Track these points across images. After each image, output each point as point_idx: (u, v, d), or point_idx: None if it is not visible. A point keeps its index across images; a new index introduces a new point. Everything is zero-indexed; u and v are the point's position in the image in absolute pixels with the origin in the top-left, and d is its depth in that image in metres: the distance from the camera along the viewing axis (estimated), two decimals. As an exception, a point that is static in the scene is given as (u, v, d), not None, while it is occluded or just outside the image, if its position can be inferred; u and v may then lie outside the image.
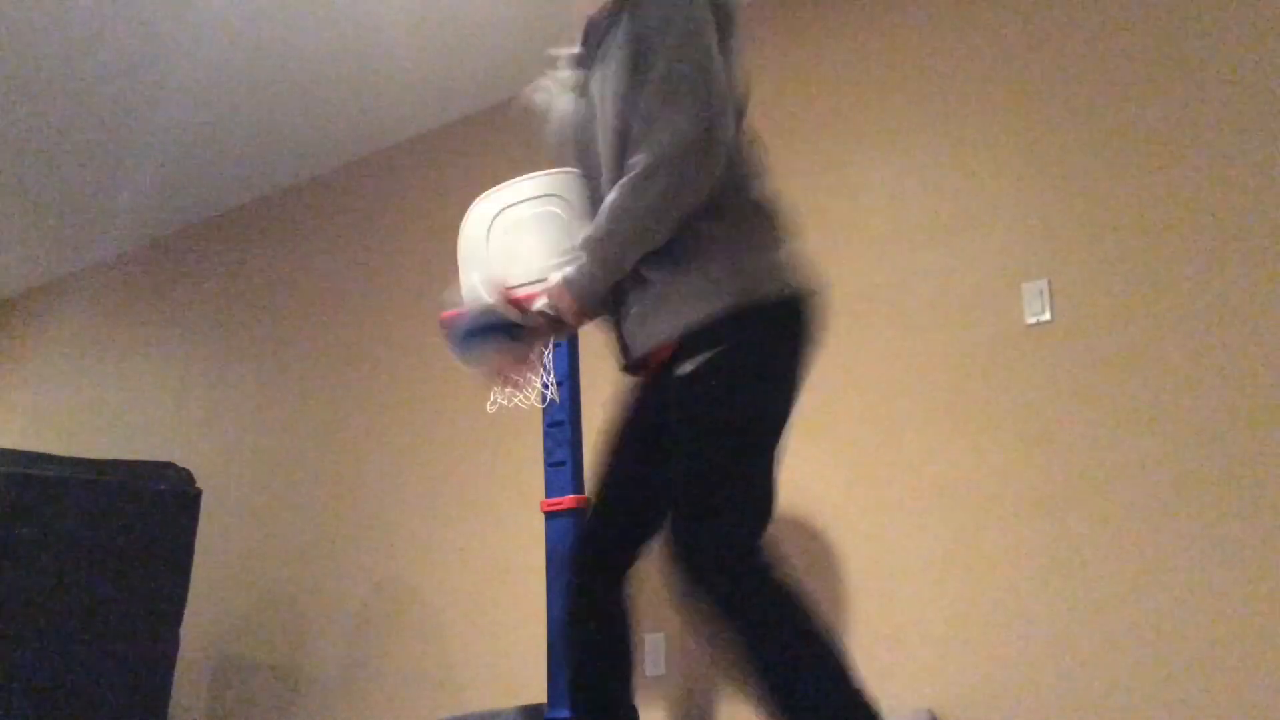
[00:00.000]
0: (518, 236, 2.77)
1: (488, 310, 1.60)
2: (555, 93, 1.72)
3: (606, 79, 1.52)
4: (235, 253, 4.85)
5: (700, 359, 1.43)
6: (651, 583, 3.22)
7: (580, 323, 1.61)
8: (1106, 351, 2.62)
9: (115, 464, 3.38)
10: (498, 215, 2.82)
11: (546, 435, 2.69)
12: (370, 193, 4.41)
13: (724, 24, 1.51)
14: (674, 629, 3.13)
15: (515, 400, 2.85)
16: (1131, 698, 2.41)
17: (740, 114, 1.57)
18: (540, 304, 1.57)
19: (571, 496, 2.61)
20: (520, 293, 2.75)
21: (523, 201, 2.77)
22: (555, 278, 1.53)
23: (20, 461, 3.16)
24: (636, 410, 1.62)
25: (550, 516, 2.63)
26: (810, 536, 2.95)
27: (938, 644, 2.68)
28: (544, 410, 2.70)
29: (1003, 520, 2.67)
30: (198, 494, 3.56)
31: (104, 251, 5.34)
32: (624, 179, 1.44)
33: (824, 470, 2.98)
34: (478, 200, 2.87)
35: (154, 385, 4.95)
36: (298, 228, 4.63)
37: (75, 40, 3.61)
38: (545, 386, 2.70)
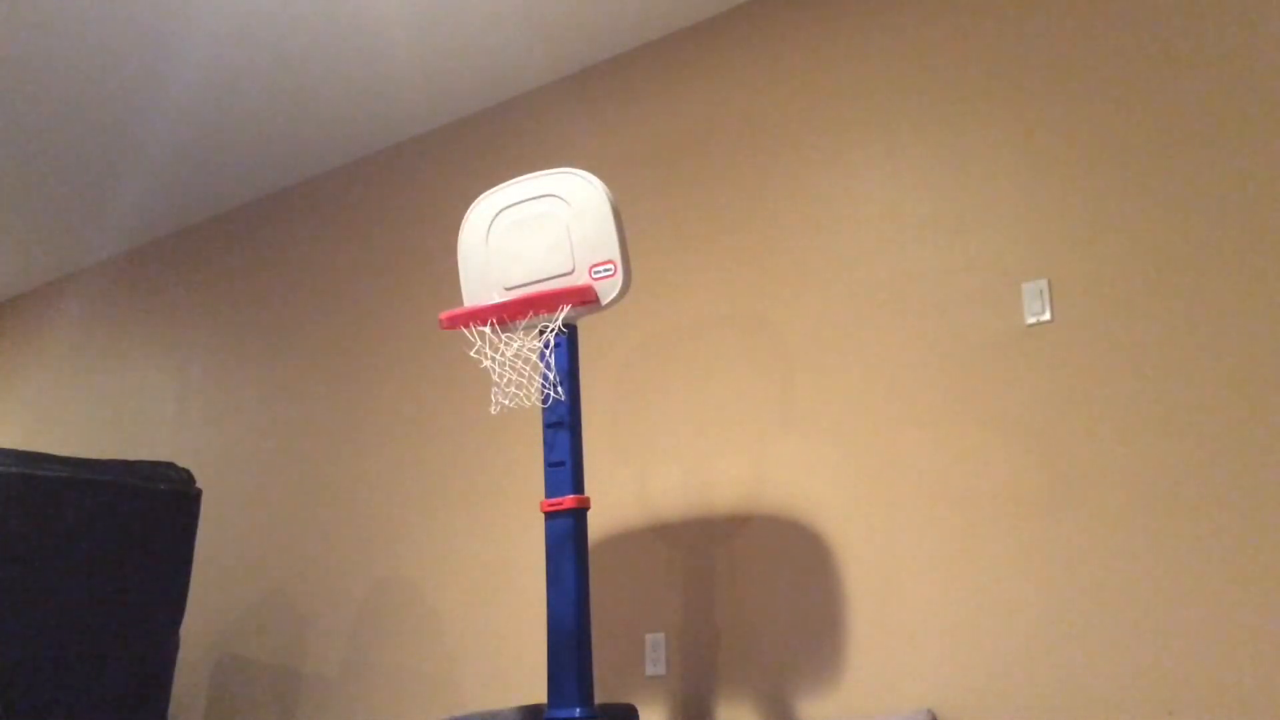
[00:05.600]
0: (517, 236, 2.77)
1: None
2: None
3: None
4: (235, 253, 4.85)
5: None
6: (651, 582, 3.22)
7: None
8: (1106, 351, 2.62)
9: (115, 464, 3.38)
10: (497, 215, 2.82)
11: (546, 435, 2.69)
12: (370, 193, 4.41)
13: None
14: (674, 629, 3.13)
15: (517, 401, 2.85)
16: (1132, 697, 2.41)
17: None
18: None
19: (571, 496, 2.61)
20: (520, 293, 2.76)
21: (523, 201, 2.78)
22: None
23: (20, 461, 3.16)
24: None
25: (550, 516, 2.63)
26: (810, 536, 2.95)
27: (938, 644, 2.68)
28: (544, 410, 2.70)
29: (1003, 520, 2.67)
30: (198, 494, 3.56)
31: (103, 252, 5.34)
32: None
33: (824, 470, 2.98)
34: (477, 200, 2.87)
35: (154, 385, 4.95)
36: (297, 228, 4.63)
37: (74, 40, 3.61)
38: (546, 386, 2.70)
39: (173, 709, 4.32)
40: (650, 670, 3.14)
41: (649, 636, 3.17)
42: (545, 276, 2.71)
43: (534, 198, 2.75)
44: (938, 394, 2.84)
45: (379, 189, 4.39)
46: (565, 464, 2.64)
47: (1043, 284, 2.74)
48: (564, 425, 2.67)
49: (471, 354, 3.70)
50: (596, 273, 2.64)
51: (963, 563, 2.69)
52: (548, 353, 2.72)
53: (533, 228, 2.74)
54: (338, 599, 3.97)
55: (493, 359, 2.83)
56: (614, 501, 3.36)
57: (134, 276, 5.25)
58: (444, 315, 2.81)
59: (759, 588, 3.00)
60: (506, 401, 2.86)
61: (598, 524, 3.38)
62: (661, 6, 3.54)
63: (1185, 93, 2.65)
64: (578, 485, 2.64)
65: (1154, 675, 2.39)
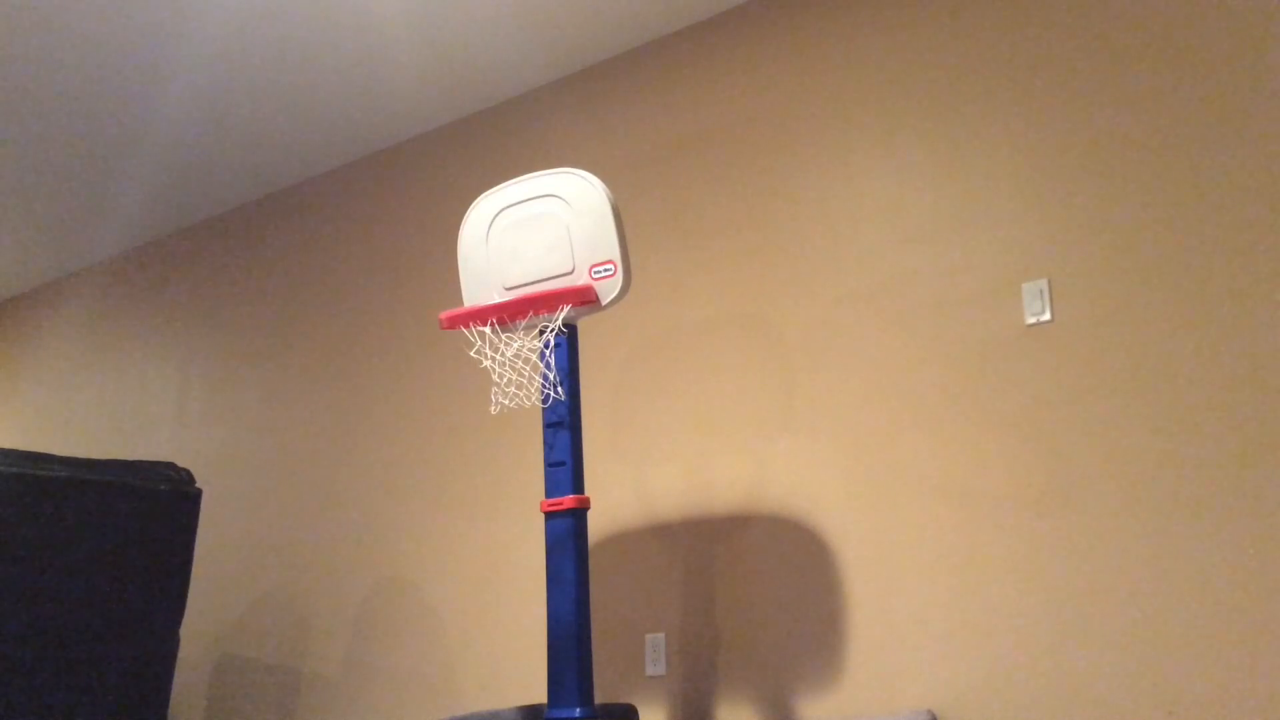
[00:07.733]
0: (517, 236, 2.77)
1: None
2: None
3: None
4: (235, 253, 4.85)
5: None
6: (651, 582, 3.22)
7: None
8: (1106, 351, 2.62)
9: (115, 464, 3.38)
10: (497, 215, 2.82)
11: (546, 435, 2.69)
12: (370, 193, 4.41)
13: None
14: (674, 629, 3.13)
15: (517, 401, 2.85)
16: (1131, 697, 2.41)
17: None
18: None
19: (571, 496, 2.61)
20: (520, 293, 2.76)
21: (523, 201, 2.78)
22: None
23: (20, 461, 3.16)
24: None
25: (550, 516, 2.63)
26: (810, 536, 2.95)
27: (938, 644, 2.68)
28: (544, 410, 2.70)
29: (1002, 520, 2.67)
30: (198, 494, 3.56)
31: (103, 252, 5.34)
32: None
33: (824, 470, 2.98)
34: (477, 200, 2.87)
35: (154, 385, 4.95)
36: (298, 228, 4.63)
37: (75, 40, 3.61)
38: (546, 386, 2.70)
39: (173, 709, 4.32)
40: (650, 670, 3.14)
41: (649, 636, 3.17)
42: (545, 276, 2.71)
43: (534, 198, 2.75)
44: (938, 394, 2.84)
45: (379, 189, 4.39)
46: (565, 464, 2.64)
47: (1043, 284, 2.73)
48: (564, 425, 2.67)
49: (471, 354, 3.70)
50: (596, 273, 2.64)
51: (963, 563, 2.69)
52: (548, 353, 2.72)
53: (533, 228, 2.74)
54: (338, 599, 3.97)
55: (493, 359, 2.83)
56: (614, 501, 3.36)
57: (134, 276, 5.25)
58: (444, 315, 2.81)
59: (759, 588, 3.00)
60: (506, 401, 2.86)
61: (598, 524, 3.38)
62: (661, 6, 3.54)
63: (1185, 93, 2.65)
64: (578, 485, 2.64)
65: (1154, 675, 2.39)
